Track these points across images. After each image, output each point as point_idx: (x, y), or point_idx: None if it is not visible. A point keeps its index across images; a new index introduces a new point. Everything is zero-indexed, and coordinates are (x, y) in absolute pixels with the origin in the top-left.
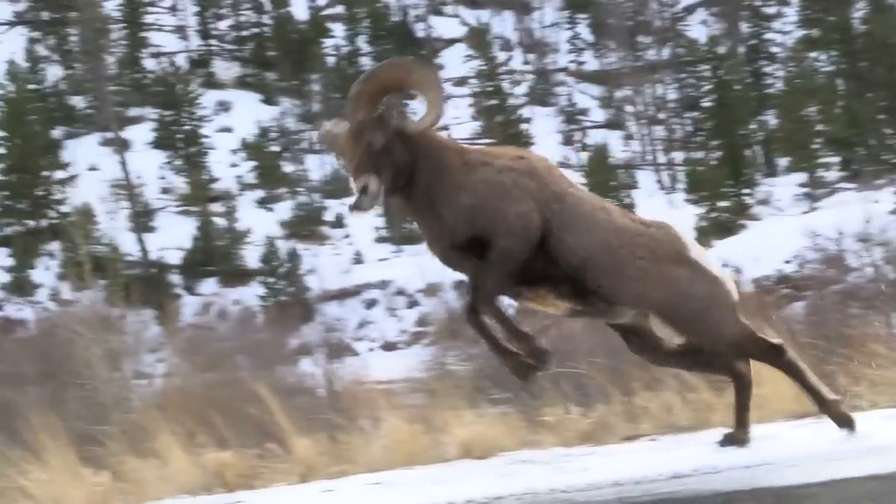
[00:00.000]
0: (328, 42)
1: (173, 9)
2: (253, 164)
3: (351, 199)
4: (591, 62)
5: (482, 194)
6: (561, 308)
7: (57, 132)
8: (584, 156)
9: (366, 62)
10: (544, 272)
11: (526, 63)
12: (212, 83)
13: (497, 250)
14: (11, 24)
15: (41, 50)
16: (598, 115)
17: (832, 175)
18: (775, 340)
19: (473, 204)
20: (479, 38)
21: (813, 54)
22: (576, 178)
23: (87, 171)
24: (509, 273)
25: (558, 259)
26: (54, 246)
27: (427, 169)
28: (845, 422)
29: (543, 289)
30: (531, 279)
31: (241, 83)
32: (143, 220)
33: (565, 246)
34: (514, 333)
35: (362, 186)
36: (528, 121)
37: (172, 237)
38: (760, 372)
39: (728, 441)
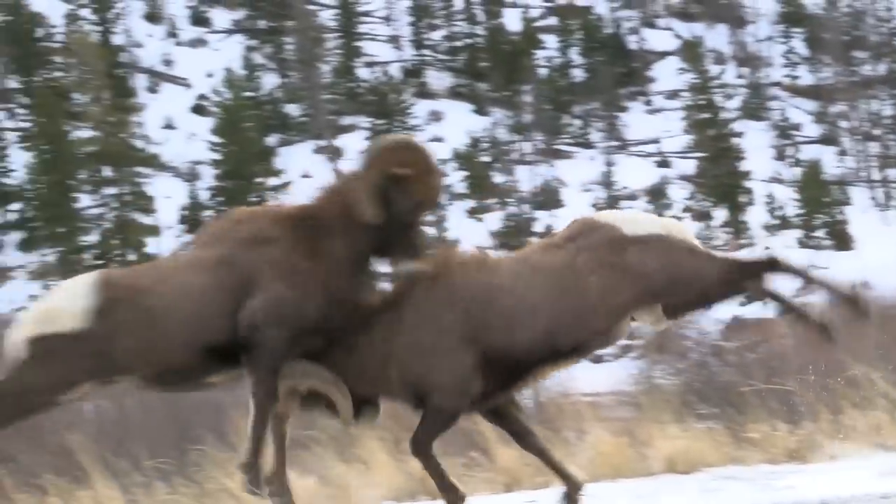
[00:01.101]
0: (540, 53)
1: (387, 19)
2: (464, 174)
3: None
4: (805, 77)
5: (404, 357)
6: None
7: (272, 139)
8: (797, 171)
9: (578, 74)
10: (533, 368)
11: (739, 77)
12: (424, 93)
13: (431, 406)
14: (229, 32)
15: (258, 58)
16: (812, 130)
17: None
18: (763, 255)
19: (397, 372)
20: (692, 52)
21: None
22: (491, 254)
23: (301, 178)
24: (447, 425)
25: (527, 353)
26: None
27: None
28: (824, 330)
29: (538, 374)
30: (525, 379)
31: (453, 93)
32: None
33: (520, 340)
34: (443, 487)
35: None
36: (740, 135)
37: None
38: None
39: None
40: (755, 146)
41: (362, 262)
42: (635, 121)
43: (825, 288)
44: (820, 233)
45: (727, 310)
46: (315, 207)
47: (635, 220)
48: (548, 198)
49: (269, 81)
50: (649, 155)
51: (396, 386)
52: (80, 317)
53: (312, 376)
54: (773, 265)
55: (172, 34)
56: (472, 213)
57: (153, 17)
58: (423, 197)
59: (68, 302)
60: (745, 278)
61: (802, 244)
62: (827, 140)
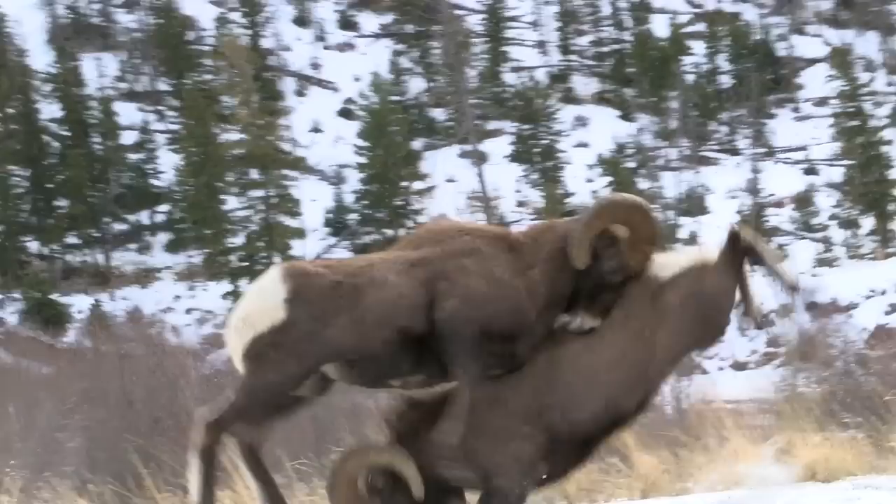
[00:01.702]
0: (688, 59)
1: (534, 24)
2: (608, 179)
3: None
4: None
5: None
6: None
7: (417, 143)
8: None
9: (725, 81)
10: (596, 441)
11: (889, 84)
12: (570, 98)
13: (494, 491)
14: (377, 36)
15: (405, 62)
16: None
17: None
18: (723, 238)
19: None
20: (841, 59)
21: None
22: None
23: (445, 182)
24: None
25: (592, 427)
26: None
27: None
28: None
29: (599, 447)
30: (587, 457)
31: (599, 99)
32: None
33: (583, 416)
34: None
35: None
36: (889, 143)
37: None
38: None
39: None
40: None
41: (553, 302)
42: (783, 128)
43: (772, 270)
44: None
45: (872, 318)
46: (528, 237)
47: (667, 263)
48: (693, 204)
49: (416, 86)
50: (796, 162)
51: (463, 466)
52: (279, 308)
53: (386, 453)
54: (741, 247)
55: (320, 38)
56: None
57: (302, 21)
58: (633, 264)
59: (264, 299)
60: (743, 266)
61: None
62: None
